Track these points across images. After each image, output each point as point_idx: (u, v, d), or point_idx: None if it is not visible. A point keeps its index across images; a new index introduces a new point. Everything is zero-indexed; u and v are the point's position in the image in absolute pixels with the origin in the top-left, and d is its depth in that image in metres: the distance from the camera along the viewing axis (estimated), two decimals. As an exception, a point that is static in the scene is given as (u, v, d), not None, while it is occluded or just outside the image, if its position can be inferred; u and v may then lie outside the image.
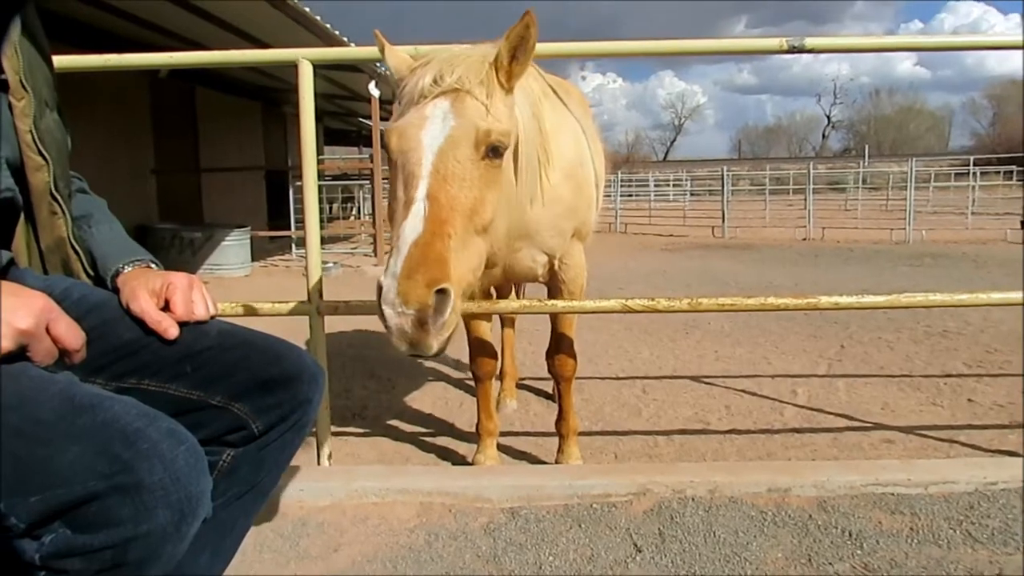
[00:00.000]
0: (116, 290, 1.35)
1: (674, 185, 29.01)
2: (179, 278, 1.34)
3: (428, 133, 1.75)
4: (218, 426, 1.24)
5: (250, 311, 2.69)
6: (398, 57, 2.07)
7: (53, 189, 1.32)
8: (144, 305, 1.27)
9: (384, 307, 1.52)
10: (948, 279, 8.87)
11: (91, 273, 1.39)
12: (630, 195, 25.26)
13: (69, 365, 1.05)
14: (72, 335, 1.02)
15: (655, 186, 27.81)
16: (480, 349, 3.03)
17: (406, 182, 1.72)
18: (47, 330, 1.00)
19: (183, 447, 0.98)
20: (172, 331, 1.26)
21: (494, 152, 1.77)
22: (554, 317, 2.93)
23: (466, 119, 1.76)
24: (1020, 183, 16.96)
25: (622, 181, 23.19)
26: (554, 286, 2.78)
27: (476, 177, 1.74)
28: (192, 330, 1.29)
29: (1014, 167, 23.22)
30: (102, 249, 1.45)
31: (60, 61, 2.59)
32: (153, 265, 1.44)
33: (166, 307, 1.30)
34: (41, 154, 1.30)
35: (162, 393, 1.22)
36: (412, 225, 1.61)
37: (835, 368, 4.69)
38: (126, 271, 1.39)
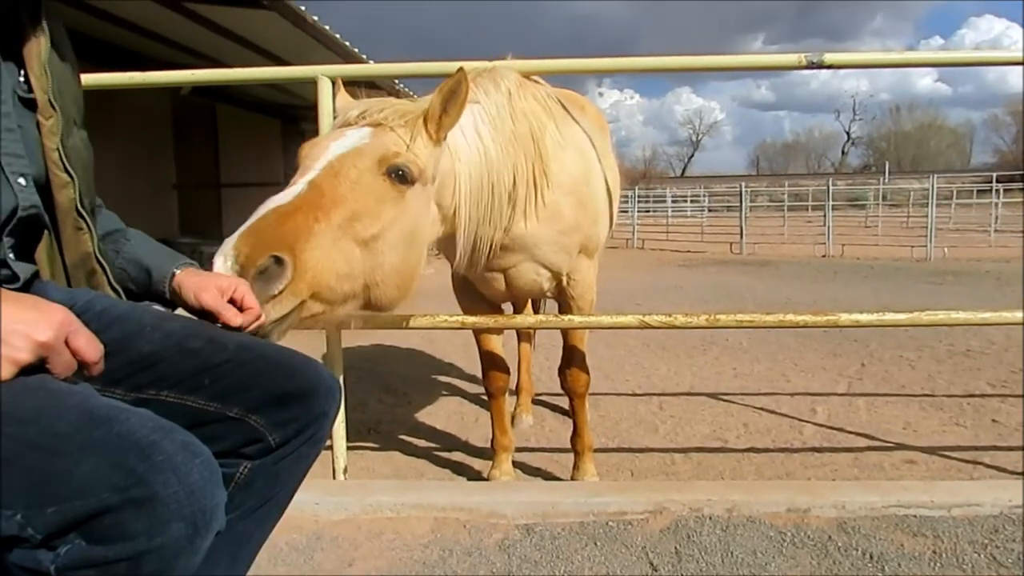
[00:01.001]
0: (173, 292, 1.45)
1: (692, 201, 28.95)
2: (241, 283, 1.43)
3: (338, 143, 1.81)
4: (235, 438, 1.25)
5: (268, 325, 2.70)
6: (345, 98, 2.15)
7: (79, 205, 1.34)
8: (215, 297, 1.38)
9: (216, 257, 1.48)
10: (970, 297, 8.75)
11: (116, 287, 1.41)
12: (647, 211, 25.24)
13: (88, 377, 1.06)
14: (91, 348, 1.03)
15: (673, 202, 27.74)
16: (491, 364, 3.02)
17: (298, 177, 1.73)
18: (67, 343, 1.01)
19: (198, 460, 0.98)
20: (237, 320, 1.37)
21: (399, 176, 1.78)
22: (565, 332, 2.93)
23: (379, 140, 1.81)
24: (1044, 200, 16.78)
25: (639, 197, 23.20)
26: (563, 302, 2.79)
27: (370, 187, 1.73)
28: (210, 343, 1.30)
29: (1037, 184, 22.95)
30: (151, 258, 1.50)
31: (85, 79, 2.63)
32: (193, 267, 1.51)
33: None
34: (67, 171, 1.32)
35: (180, 405, 1.23)
36: (281, 197, 1.62)
37: (855, 386, 4.63)
38: (179, 272, 1.47)
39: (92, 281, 1.38)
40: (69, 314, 1.02)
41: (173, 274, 1.46)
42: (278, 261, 1.49)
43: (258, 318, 1.42)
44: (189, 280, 1.43)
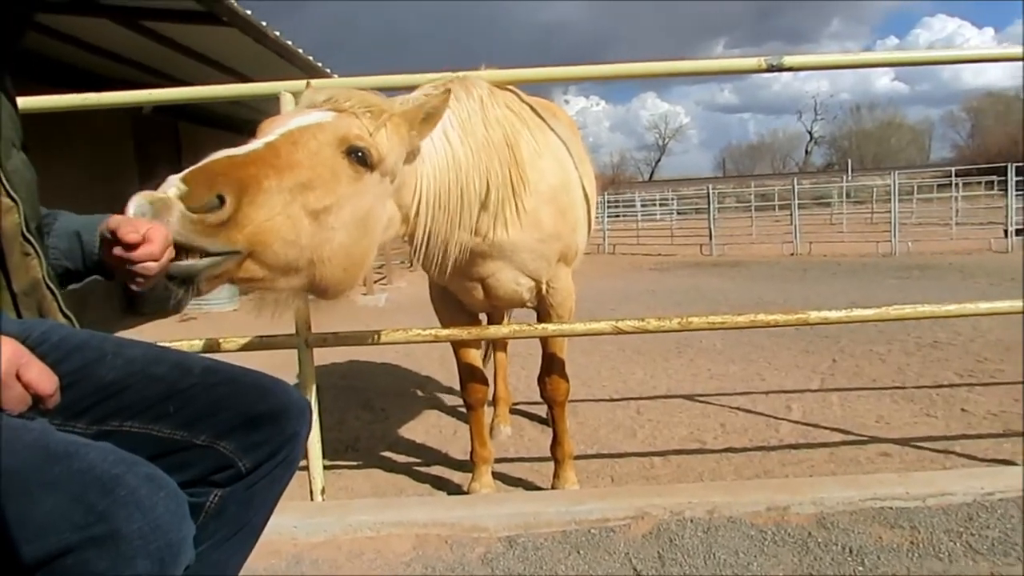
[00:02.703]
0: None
1: (661, 205, 29.20)
2: (157, 228, 1.33)
3: (301, 118, 1.80)
4: (204, 466, 1.21)
5: (238, 346, 2.67)
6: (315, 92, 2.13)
7: (24, 230, 1.28)
8: (119, 221, 1.29)
9: (163, 187, 1.43)
10: (936, 290, 8.92)
11: (68, 314, 1.36)
12: (617, 216, 25.39)
13: (45, 411, 1.02)
14: (45, 380, 0.99)
15: (642, 206, 27.98)
16: (470, 376, 3.01)
17: (254, 140, 1.70)
18: (18, 376, 0.97)
19: (163, 493, 0.95)
20: (132, 236, 1.27)
21: (358, 158, 1.77)
22: (544, 340, 2.93)
23: (342, 121, 1.80)
24: (1002, 192, 17.14)
25: (609, 202, 23.32)
26: (543, 310, 2.78)
27: (328, 161, 1.72)
28: (175, 368, 1.26)
29: (995, 177, 23.50)
30: (79, 223, 1.43)
31: (37, 101, 2.59)
32: None
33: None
34: (10, 195, 1.26)
35: (146, 435, 1.19)
36: (236, 150, 1.60)
37: (828, 382, 4.69)
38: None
39: (43, 308, 1.32)
40: (18, 346, 0.98)
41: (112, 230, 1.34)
42: (221, 200, 1.44)
43: (155, 258, 1.31)
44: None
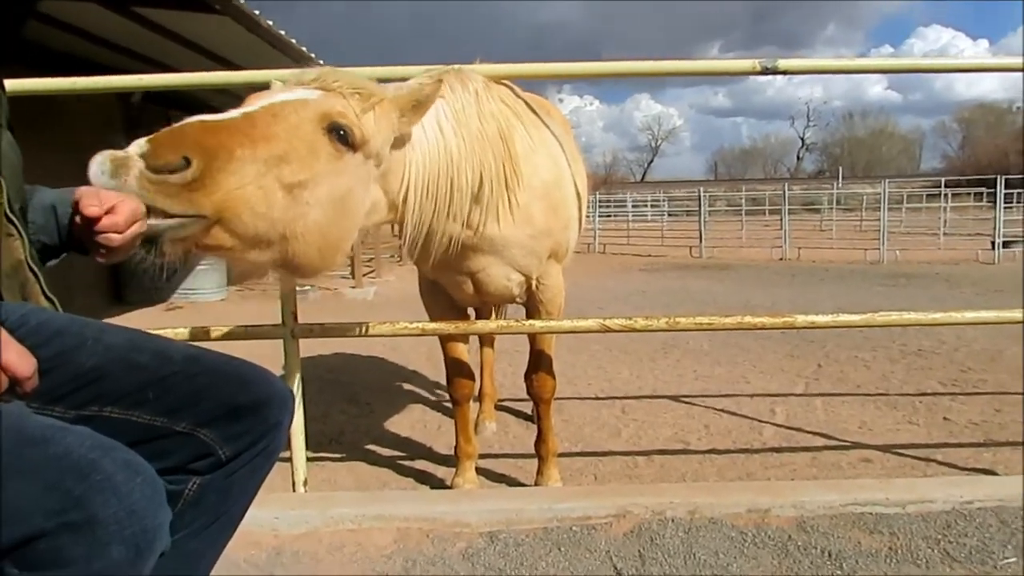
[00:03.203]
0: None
1: (652, 206, 29.27)
2: (125, 200, 1.31)
3: (285, 93, 1.79)
4: (183, 454, 1.20)
5: (224, 335, 2.65)
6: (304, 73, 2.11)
7: (8, 210, 1.27)
8: (84, 192, 1.27)
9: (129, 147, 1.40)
10: (922, 298, 8.99)
11: (50, 297, 1.34)
12: (608, 215, 25.43)
13: (23, 395, 1.01)
14: (22, 363, 0.97)
15: (633, 207, 28.00)
16: (457, 371, 3.00)
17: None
18: None
19: (139, 479, 0.94)
20: (93, 210, 1.25)
21: (339, 136, 1.75)
22: (532, 336, 2.92)
23: (327, 99, 1.79)
24: (990, 204, 17.29)
25: (601, 202, 23.34)
26: (532, 306, 2.78)
27: (307, 136, 1.70)
28: (156, 355, 1.25)
29: (984, 188, 23.68)
30: (55, 197, 1.41)
31: (26, 84, 2.56)
32: None
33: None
34: None
35: (125, 420, 1.18)
36: (212, 116, 1.58)
37: (813, 387, 4.72)
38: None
39: (25, 290, 1.31)
40: None
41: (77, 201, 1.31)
42: (187, 163, 1.42)
43: (118, 229, 1.28)
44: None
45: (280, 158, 1.60)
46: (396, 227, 2.26)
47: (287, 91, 1.83)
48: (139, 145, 1.39)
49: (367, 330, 2.62)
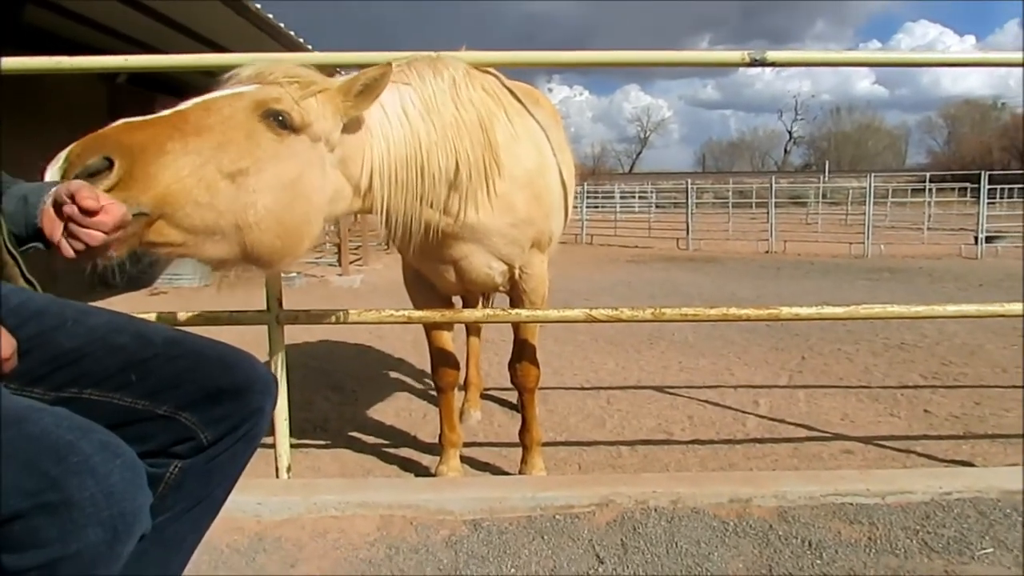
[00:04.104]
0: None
1: (640, 197, 29.29)
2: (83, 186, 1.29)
3: (220, 91, 1.79)
4: (164, 437, 1.19)
5: (208, 320, 2.63)
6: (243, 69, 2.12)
7: None
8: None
9: (49, 167, 1.42)
10: (905, 292, 9.07)
11: (30, 279, 1.33)
12: (596, 207, 25.42)
13: (1, 376, 1.00)
14: (2, 344, 0.97)
15: (621, 198, 28.02)
16: (442, 359, 3.00)
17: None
18: None
19: (118, 461, 0.93)
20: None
21: (278, 120, 1.75)
22: (516, 325, 2.92)
23: (263, 89, 1.79)
24: (974, 199, 17.45)
25: (588, 193, 23.34)
26: (515, 296, 2.78)
27: (243, 124, 1.70)
28: (137, 338, 1.24)
29: (968, 184, 23.89)
30: (29, 188, 1.37)
31: (9, 63, 2.52)
32: None
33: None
34: None
35: (106, 403, 1.17)
36: (139, 117, 1.57)
37: (796, 379, 4.75)
38: (47, 203, 1.31)
39: (3, 273, 1.29)
40: None
41: (44, 202, 1.29)
42: (109, 163, 1.42)
43: (104, 229, 1.27)
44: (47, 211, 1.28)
45: (217, 148, 1.61)
46: (371, 214, 2.25)
47: (222, 88, 1.83)
48: (60, 159, 1.40)
49: (353, 317, 2.61)
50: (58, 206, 1.27)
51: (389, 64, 1.93)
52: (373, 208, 2.16)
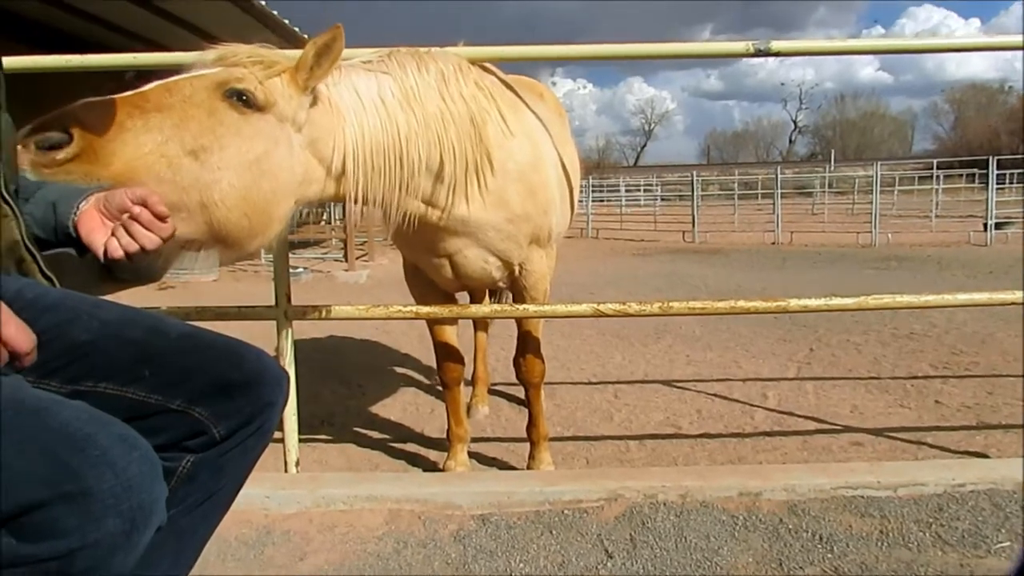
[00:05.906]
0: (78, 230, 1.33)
1: (645, 190, 29.18)
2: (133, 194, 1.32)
3: (182, 74, 1.80)
4: (177, 431, 1.20)
5: (217, 315, 2.64)
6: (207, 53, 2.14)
7: (3, 190, 1.26)
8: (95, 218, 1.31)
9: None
10: (913, 281, 9.02)
11: (48, 275, 1.33)
12: (601, 200, 25.38)
13: (19, 369, 1.01)
14: (22, 338, 0.97)
15: (626, 191, 27.97)
16: (446, 355, 3.00)
17: None
18: None
19: (136, 453, 0.95)
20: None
21: (240, 99, 1.75)
22: (519, 320, 2.91)
23: (224, 70, 1.80)
24: (982, 185, 17.32)
25: (593, 186, 23.29)
26: (516, 292, 2.78)
27: (204, 103, 1.70)
28: (150, 332, 1.25)
29: (976, 170, 23.74)
30: (59, 194, 1.39)
31: (17, 62, 2.52)
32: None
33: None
34: None
35: (119, 396, 1.18)
36: (100, 98, 1.60)
37: (804, 371, 4.73)
38: (84, 206, 1.34)
39: (22, 269, 1.30)
40: None
41: (79, 207, 1.33)
42: (69, 136, 1.45)
43: (163, 235, 1.31)
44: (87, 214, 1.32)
45: (177, 125, 1.63)
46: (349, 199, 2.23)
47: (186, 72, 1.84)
48: (28, 127, 1.44)
49: (361, 313, 2.61)
50: (110, 209, 1.30)
51: (338, 25, 1.88)
52: (349, 194, 2.13)
